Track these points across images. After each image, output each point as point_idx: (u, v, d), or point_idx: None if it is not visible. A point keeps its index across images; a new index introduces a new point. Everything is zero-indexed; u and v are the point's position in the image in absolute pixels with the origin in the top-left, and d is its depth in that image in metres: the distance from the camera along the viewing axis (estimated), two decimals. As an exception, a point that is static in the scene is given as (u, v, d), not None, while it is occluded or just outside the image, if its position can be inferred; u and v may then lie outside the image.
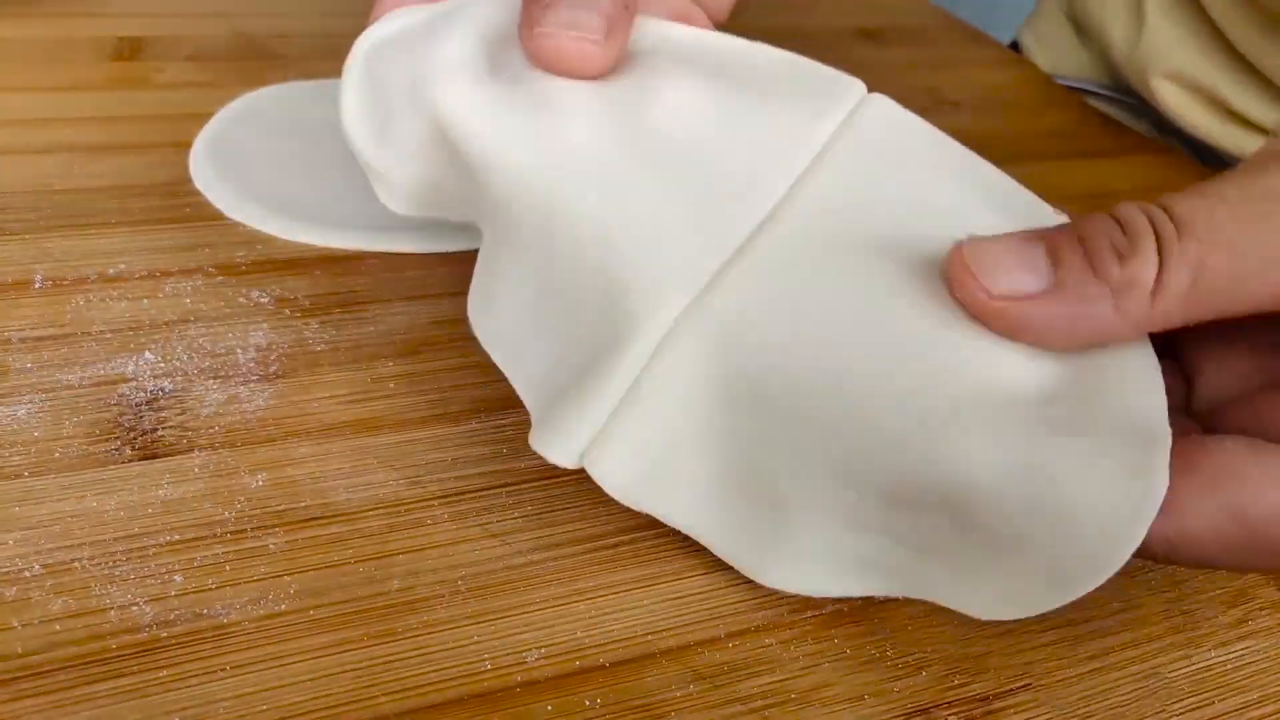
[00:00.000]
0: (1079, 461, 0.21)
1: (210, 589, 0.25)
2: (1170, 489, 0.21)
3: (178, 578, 0.25)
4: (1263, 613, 0.27)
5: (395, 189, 0.29)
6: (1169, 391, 0.23)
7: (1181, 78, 0.53)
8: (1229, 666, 0.26)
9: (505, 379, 0.32)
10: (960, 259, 0.23)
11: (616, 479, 0.24)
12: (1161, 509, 0.21)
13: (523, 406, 0.31)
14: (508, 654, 0.24)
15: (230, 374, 0.31)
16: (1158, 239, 0.21)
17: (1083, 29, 0.61)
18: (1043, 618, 0.26)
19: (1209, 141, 0.54)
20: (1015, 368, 0.23)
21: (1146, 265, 0.21)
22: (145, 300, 0.33)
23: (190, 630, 0.24)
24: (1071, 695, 0.25)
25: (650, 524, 0.28)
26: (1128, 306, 0.21)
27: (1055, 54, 0.63)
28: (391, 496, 0.28)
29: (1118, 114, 0.57)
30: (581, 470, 0.29)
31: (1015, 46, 0.67)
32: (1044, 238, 0.22)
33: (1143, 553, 0.21)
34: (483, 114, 0.26)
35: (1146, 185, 0.49)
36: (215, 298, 0.34)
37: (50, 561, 0.25)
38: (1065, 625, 0.26)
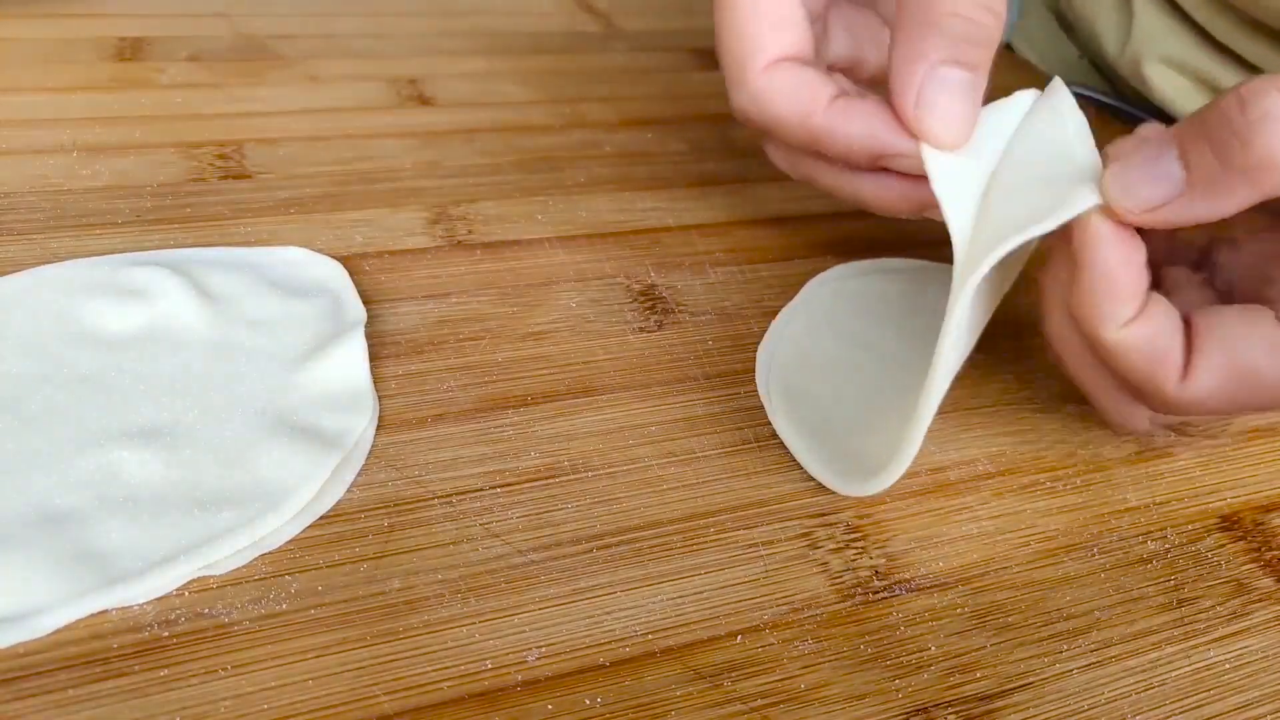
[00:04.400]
0: None
1: (212, 588, 0.25)
2: (1186, 355, 0.25)
3: (179, 577, 0.25)
4: (1260, 604, 0.27)
5: None
6: (1195, 271, 0.30)
7: (1175, 63, 0.53)
8: (1227, 666, 0.26)
9: (505, 378, 0.32)
10: (1105, 187, 0.25)
11: None
12: (1182, 375, 0.25)
13: (521, 406, 0.31)
14: (508, 654, 0.24)
15: (231, 374, 0.31)
16: None
17: (1070, 28, 0.61)
18: (1042, 616, 0.26)
19: None
20: None
21: (1275, 145, 0.22)
22: (146, 300, 0.33)
23: (191, 630, 0.24)
24: (1070, 694, 0.25)
25: (650, 524, 0.28)
26: (1264, 183, 0.23)
27: (1043, 53, 0.63)
28: (392, 496, 0.28)
29: (1124, 120, 0.57)
30: (581, 470, 0.29)
31: (1006, 47, 0.67)
32: (1172, 139, 0.25)
33: (1174, 411, 0.26)
34: None
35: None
36: (216, 298, 0.34)
37: (51, 561, 0.25)
38: (1063, 620, 0.26)
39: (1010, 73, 0.59)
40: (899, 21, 0.29)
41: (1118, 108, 0.58)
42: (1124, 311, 0.25)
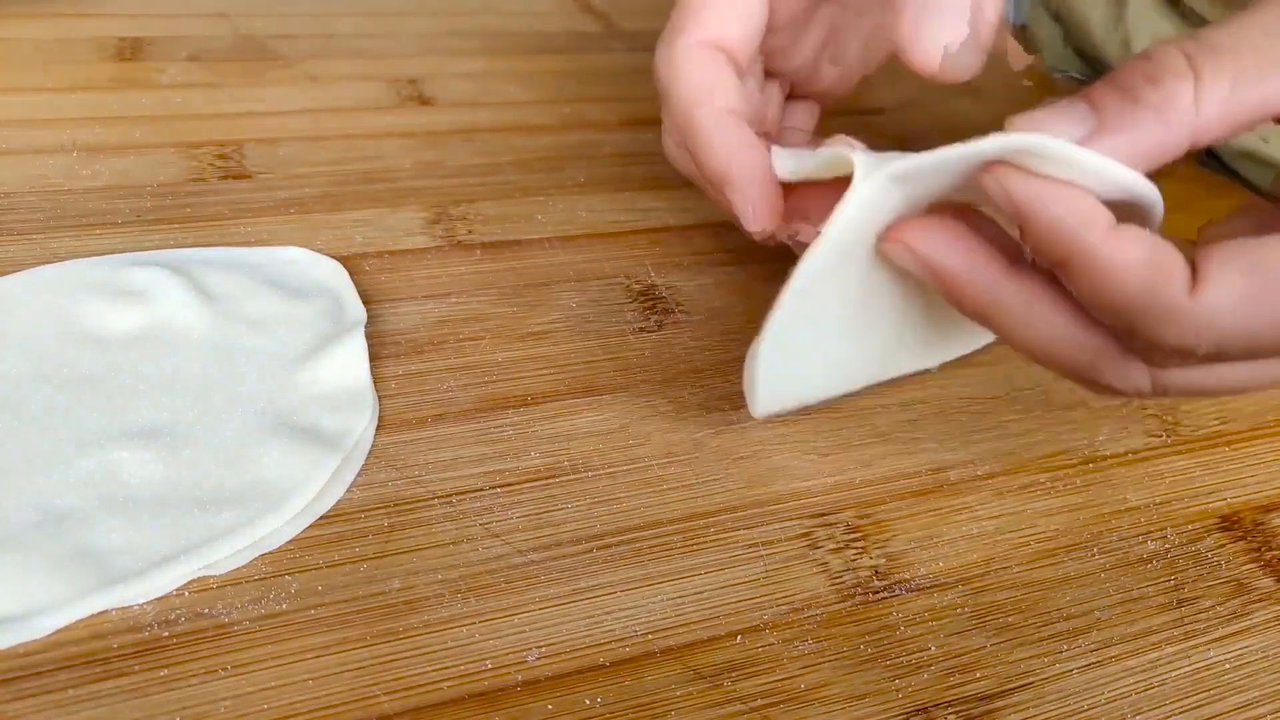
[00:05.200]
0: None
1: (212, 588, 0.25)
2: (1191, 270, 0.23)
3: (179, 577, 0.25)
4: (1260, 604, 0.27)
5: None
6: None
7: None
8: (1227, 666, 0.26)
9: (505, 378, 0.32)
10: (1009, 126, 0.24)
11: None
12: (1192, 287, 0.23)
13: (521, 406, 0.31)
14: (508, 654, 0.24)
15: (231, 374, 0.31)
16: (1189, 60, 0.23)
17: (1066, 25, 0.61)
18: (1042, 616, 0.26)
19: None
20: None
21: (1181, 83, 0.23)
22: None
23: (191, 630, 0.24)
24: (1070, 694, 0.25)
25: (650, 524, 0.28)
26: (1172, 119, 0.23)
27: (1043, 51, 0.63)
28: (392, 496, 0.28)
29: None
30: (581, 470, 0.29)
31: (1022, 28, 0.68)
32: (1081, 95, 0.24)
33: (1187, 342, 0.23)
34: None
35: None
36: (216, 298, 0.34)
37: (51, 561, 0.25)
38: (1063, 620, 0.26)
39: (1007, 67, 0.59)
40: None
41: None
42: (1100, 217, 0.23)
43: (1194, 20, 0.52)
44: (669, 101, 0.31)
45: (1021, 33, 0.67)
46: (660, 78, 0.31)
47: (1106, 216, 0.23)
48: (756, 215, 0.30)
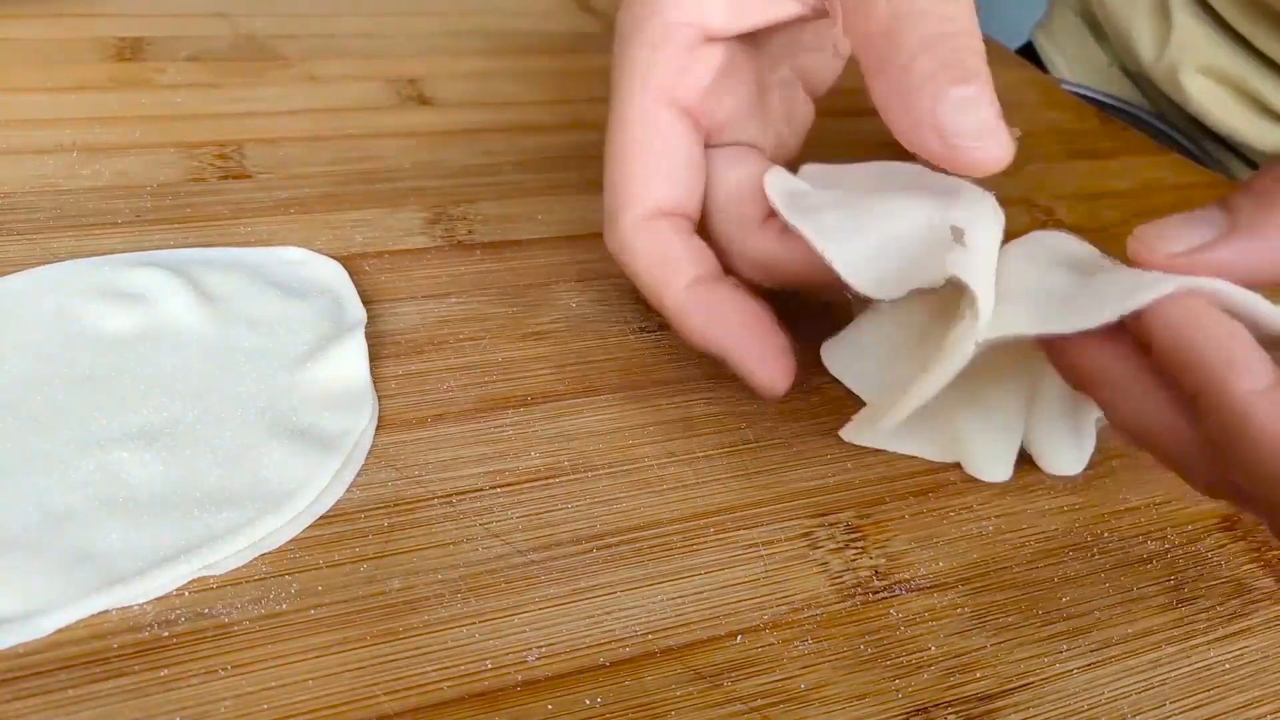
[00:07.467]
0: None
1: (212, 588, 0.25)
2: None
3: (179, 577, 0.25)
4: (1260, 604, 0.28)
5: None
6: None
7: (1214, 72, 0.52)
8: (1227, 666, 0.26)
9: (505, 378, 0.32)
10: (1136, 237, 0.24)
11: None
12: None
13: (521, 406, 0.31)
14: (508, 654, 0.24)
15: (231, 374, 0.31)
16: None
17: (1100, 32, 0.60)
18: (1042, 616, 0.26)
19: (1236, 139, 0.53)
20: None
21: None
22: (146, 300, 0.33)
23: (191, 630, 0.24)
24: (1070, 694, 0.25)
25: (650, 524, 0.28)
26: None
27: (1071, 55, 0.62)
28: (392, 496, 0.28)
29: (1125, 121, 0.57)
30: (581, 470, 0.29)
31: (1028, 48, 0.67)
32: (1218, 200, 0.23)
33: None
34: None
35: (1145, 185, 0.49)
36: (216, 298, 0.34)
37: (51, 561, 0.25)
38: (1063, 620, 0.26)
39: (1030, 88, 0.59)
40: (869, 60, 0.26)
41: (1149, 121, 0.57)
42: (1258, 368, 0.21)
43: (1247, 51, 0.51)
44: (636, 282, 0.30)
45: (1026, 47, 0.66)
46: (619, 262, 0.30)
47: (1266, 370, 0.21)
48: (774, 379, 0.29)
